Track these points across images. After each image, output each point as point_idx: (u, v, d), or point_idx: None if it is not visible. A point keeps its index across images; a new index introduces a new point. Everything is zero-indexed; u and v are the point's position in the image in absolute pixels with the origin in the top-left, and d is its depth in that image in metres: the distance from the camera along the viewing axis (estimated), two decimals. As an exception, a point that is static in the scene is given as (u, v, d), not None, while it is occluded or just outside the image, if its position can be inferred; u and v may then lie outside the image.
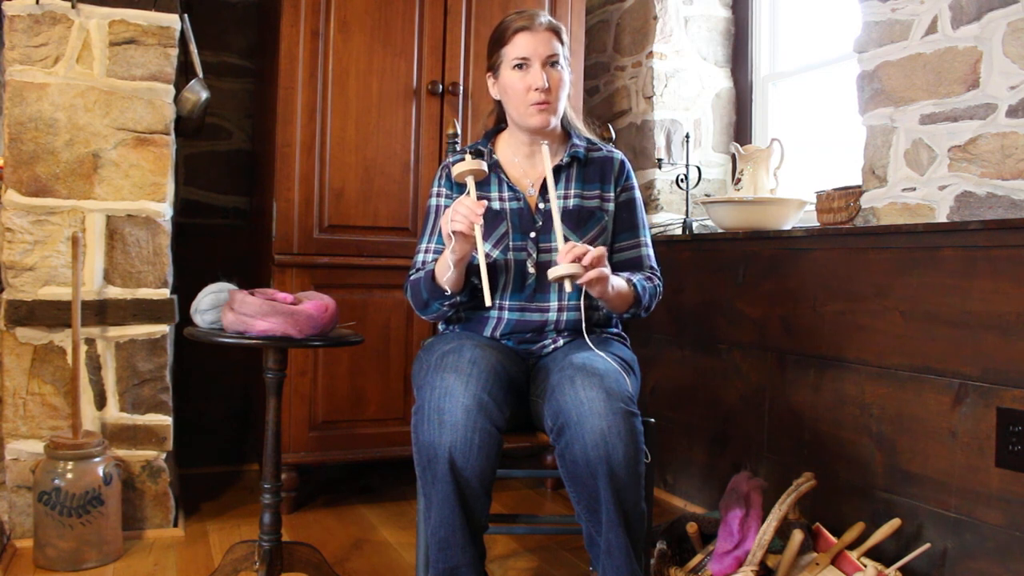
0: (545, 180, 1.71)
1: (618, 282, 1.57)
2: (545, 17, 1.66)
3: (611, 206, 1.74)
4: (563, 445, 1.41)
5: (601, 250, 1.47)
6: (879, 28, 2.11)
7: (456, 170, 1.51)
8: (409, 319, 2.51)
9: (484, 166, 1.52)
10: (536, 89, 1.62)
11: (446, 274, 1.56)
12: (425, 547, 1.59)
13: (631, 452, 1.38)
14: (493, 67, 1.70)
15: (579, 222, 1.69)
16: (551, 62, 1.64)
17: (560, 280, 1.45)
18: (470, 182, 1.51)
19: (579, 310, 1.69)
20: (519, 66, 1.64)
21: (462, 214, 1.46)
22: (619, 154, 1.79)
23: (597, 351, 1.54)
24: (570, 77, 1.71)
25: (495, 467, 1.43)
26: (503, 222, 1.69)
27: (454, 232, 1.48)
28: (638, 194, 1.79)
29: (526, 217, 1.70)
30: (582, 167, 1.74)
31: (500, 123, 1.80)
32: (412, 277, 1.71)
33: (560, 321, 1.68)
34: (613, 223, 1.74)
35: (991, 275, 1.69)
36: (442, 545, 1.40)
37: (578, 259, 1.44)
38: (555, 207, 1.50)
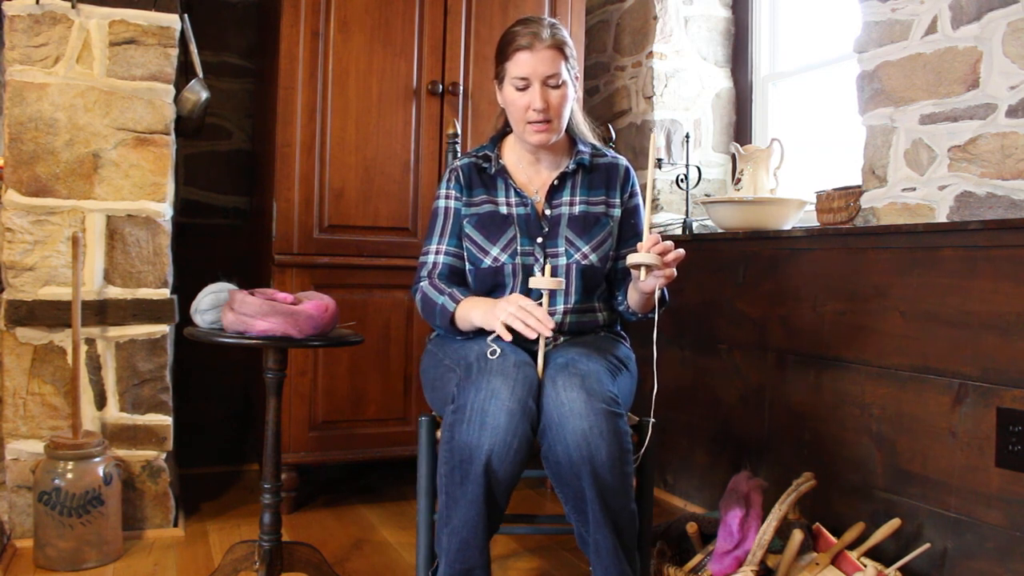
0: (551, 186, 1.73)
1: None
2: (549, 32, 1.62)
3: (616, 212, 1.75)
4: (546, 447, 1.42)
5: (681, 251, 1.48)
6: (879, 28, 2.11)
7: (534, 284, 1.52)
8: (409, 319, 2.51)
9: (563, 283, 1.54)
10: (534, 110, 1.62)
11: (465, 326, 1.59)
12: (426, 547, 1.59)
13: (615, 452, 1.38)
14: (498, 77, 1.70)
15: (584, 227, 1.70)
16: (551, 82, 1.62)
17: (637, 266, 1.47)
18: (545, 296, 1.52)
19: (580, 312, 1.69)
20: (519, 86, 1.64)
21: (538, 320, 1.44)
22: (624, 161, 1.80)
23: (583, 349, 1.55)
24: (576, 89, 1.70)
25: (522, 472, 1.42)
26: (511, 227, 1.69)
27: (508, 326, 1.47)
28: (641, 200, 1.80)
29: (533, 223, 1.70)
30: (587, 173, 1.75)
31: (507, 126, 1.80)
32: (424, 285, 1.70)
33: (564, 323, 1.68)
34: (619, 230, 1.75)
35: (991, 275, 1.69)
36: (462, 546, 1.39)
37: (661, 253, 1.45)
38: (649, 200, 1.51)
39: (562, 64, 1.63)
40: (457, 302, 1.61)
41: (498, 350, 1.46)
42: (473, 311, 1.56)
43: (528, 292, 1.67)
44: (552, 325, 1.46)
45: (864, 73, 2.15)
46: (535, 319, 1.44)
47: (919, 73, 2.01)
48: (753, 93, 2.96)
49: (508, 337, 1.47)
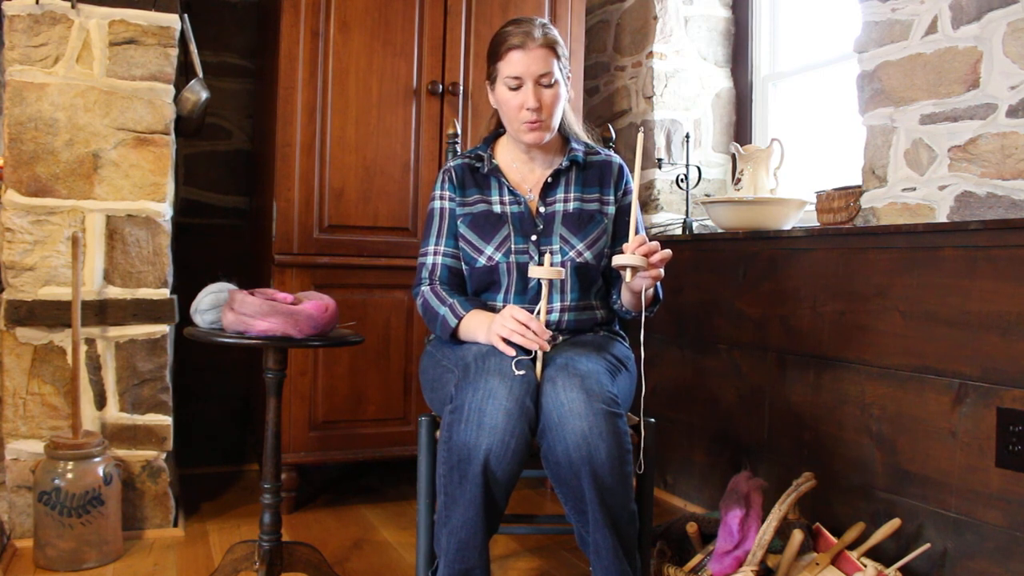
0: (545, 184, 1.73)
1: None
2: (540, 31, 1.63)
3: (611, 209, 1.75)
4: (546, 447, 1.42)
5: (668, 252, 1.48)
6: (879, 28, 2.11)
7: (533, 273, 1.50)
8: (409, 319, 2.51)
9: (563, 273, 1.54)
10: (528, 109, 1.63)
11: (467, 339, 1.59)
12: (426, 547, 1.59)
13: (615, 452, 1.38)
14: (490, 77, 1.71)
15: (579, 225, 1.70)
16: (544, 81, 1.63)
17: (622, 267, 1.47)
18: (544, 286, 1.50)
19: (577, 311, 1.69)
20: (512, 85, 1.64)
21: (535, 333, 1.46)
22: (617, 158, 1.80)
23: (582, 349, 1.55)
24: (568, 88, 1.71)
25: (520, 473, 1.42)
26: (505, 225, 1.69)
27: (506, 340, 1.49)
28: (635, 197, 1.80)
29: (527, 221, 1.70)
30: (581, 171, 1.75)
31: (500, 127, 1.80)
32: (425, 290, 1.71)
33: (561, 321, 1.68)
34: (613, 227, 1.75)
35: (991, 275, 1.69)
36: (461, 546, 1.39)
37: (646, 254, 1.45)
38: (635, 200, 1.52)
39: (554, 63, 1.64)
40: (459, 317, 1.62)
41: (524, 371, 1.45)
42: (477, 330, 1.58)
43: (526, 285, 1.67)
44: (548, 337, 1.48)
45: (864, 73, 2.15)
46: (532, 333, 1.46)
47: (919, 73, 2.01)
48: (753, 93, 2.96)
49: (510, 352, 1.47)
